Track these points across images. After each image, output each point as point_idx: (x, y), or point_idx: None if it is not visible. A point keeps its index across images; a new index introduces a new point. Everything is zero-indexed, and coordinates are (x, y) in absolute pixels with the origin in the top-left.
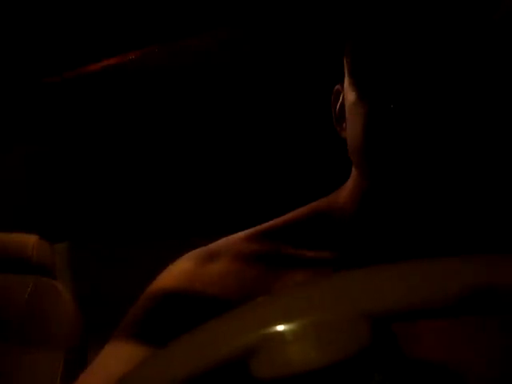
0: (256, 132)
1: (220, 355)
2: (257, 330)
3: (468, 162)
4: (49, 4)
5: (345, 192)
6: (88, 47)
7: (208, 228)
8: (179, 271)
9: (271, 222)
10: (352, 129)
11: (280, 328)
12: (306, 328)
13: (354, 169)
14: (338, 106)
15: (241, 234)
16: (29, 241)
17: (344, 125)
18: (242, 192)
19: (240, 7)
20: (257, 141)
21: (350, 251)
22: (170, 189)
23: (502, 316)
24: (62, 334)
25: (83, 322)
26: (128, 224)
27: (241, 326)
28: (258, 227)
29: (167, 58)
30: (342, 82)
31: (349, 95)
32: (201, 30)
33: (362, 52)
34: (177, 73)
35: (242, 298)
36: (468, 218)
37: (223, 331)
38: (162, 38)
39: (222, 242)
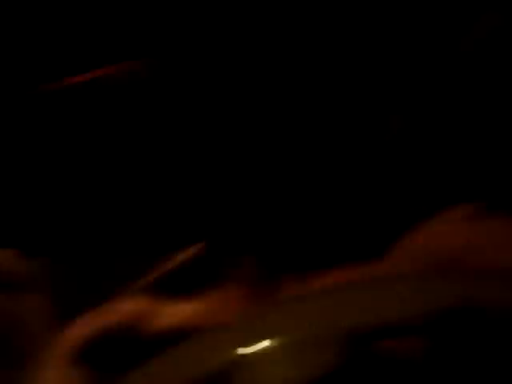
0: (255, 137)
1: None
2: (234, 350)
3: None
4: (35, 15)
5: None
6: (75, 58)
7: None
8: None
9: None
10: None
11: (258, 347)
12: (284, 346)
13: None
14: None
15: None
16: (5, 256)
17: None
18: (241, 196)
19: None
20: (255, 146)
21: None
22: (164, 204)
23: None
24: (37, 348)
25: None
26: (116, 240)
27: (218, 345)
28: None
29: (159, 69)
30: None
31: None
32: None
33: None
34: (171, 82)
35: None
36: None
37: (197, 352)
38: (152, 52)
39: None
